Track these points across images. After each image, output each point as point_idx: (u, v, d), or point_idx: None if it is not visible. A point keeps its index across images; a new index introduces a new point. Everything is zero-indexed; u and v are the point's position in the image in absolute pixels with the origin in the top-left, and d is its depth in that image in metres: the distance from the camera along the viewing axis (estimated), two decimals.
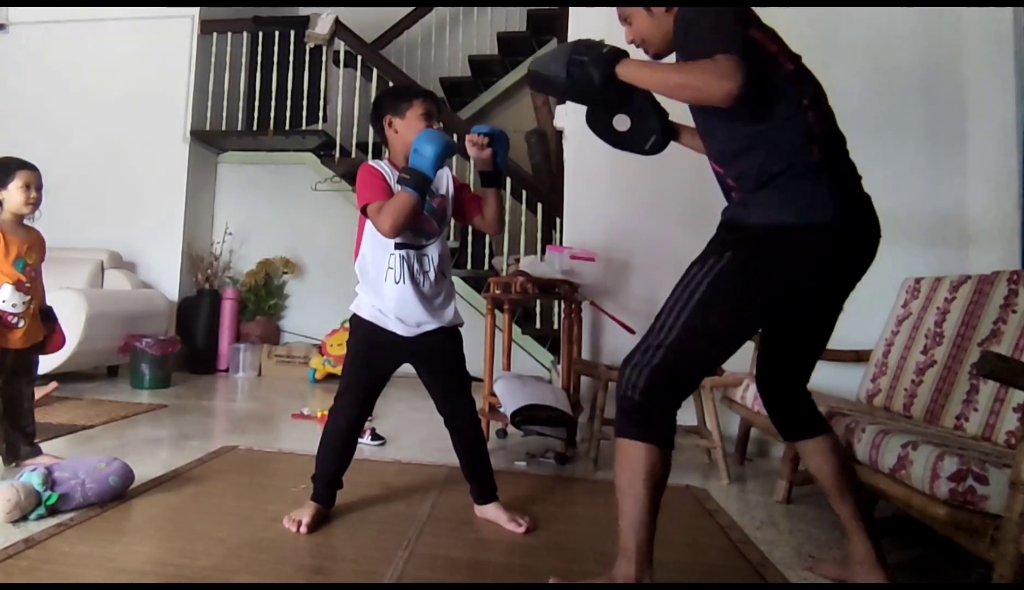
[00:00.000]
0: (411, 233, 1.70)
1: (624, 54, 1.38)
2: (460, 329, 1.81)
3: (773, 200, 1.31)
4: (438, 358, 1.78)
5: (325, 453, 1.77)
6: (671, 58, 1.45)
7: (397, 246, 1.69)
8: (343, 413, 1.76)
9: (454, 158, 4.42)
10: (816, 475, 1.52)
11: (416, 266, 1.71)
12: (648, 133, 1.60)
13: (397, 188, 1.63)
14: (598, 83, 1.37)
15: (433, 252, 1.74)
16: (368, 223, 1.69)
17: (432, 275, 1.73)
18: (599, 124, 1.64)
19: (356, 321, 1.75)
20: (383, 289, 1.70)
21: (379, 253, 1.70)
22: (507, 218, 4.42)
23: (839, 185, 1.32)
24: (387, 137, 1.76)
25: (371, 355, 1.74)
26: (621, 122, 1.62)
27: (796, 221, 1.29)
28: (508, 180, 4.29)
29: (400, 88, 1.79)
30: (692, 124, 1.52)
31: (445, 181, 1.81)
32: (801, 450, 1.54)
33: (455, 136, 3.30)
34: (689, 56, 1.31)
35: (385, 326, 1.70)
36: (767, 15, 1.42)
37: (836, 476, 1.48)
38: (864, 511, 1.49)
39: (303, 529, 1.66)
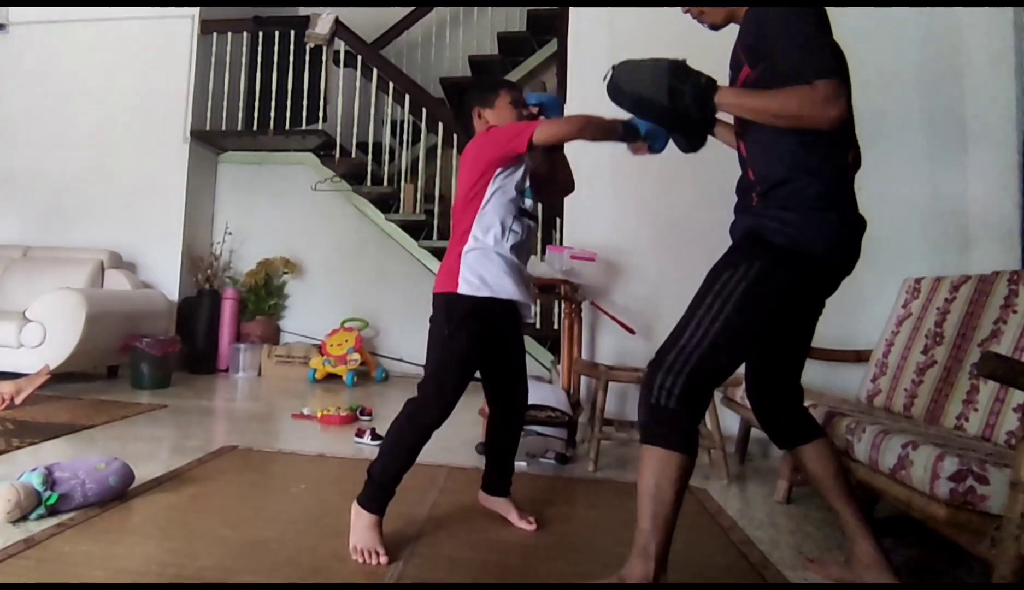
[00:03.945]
0: (524, 212, 1.65)
1: (714, 82, 1.37)
2: None
3: (800, 225, 1.34)
4: (514, 341, 1.76)
5: (397, 449, 1.58)
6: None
7: (521, 212, 1.63)
8: (438, 412, 1.57)
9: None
10: (815, 480, 1.53)
11: (527, 241, 1.66)
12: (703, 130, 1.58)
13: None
14: (696, 115, 1.37)
15: (533, 235, 1.71)
16: (495, 180, 1.60)
17: (530, 252, 1.71)
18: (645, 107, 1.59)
19: (465, 302, 1.57)
20: (501, 249, 1.59)
21: (506, 213, 1.61)
22: None
23: (856, 230, 1.40)
24: (475, 130, 1.73)
25: (485, 343, 1.61)
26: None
27: (816, 253, 1.34)
28: None
29: (483, 80, 1.71)
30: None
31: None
32: (798, 456, 1.56)
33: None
34: (779, 75, 1.30)
35: (499, 295, 1.57)
36: None
37: (835, 479, 1.49)
38: (866, 512, 1.50)
39: (383, 560, 1.49)
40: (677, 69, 1.36)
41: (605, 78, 1.42)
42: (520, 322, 1.76)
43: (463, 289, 1.57)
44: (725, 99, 1.35)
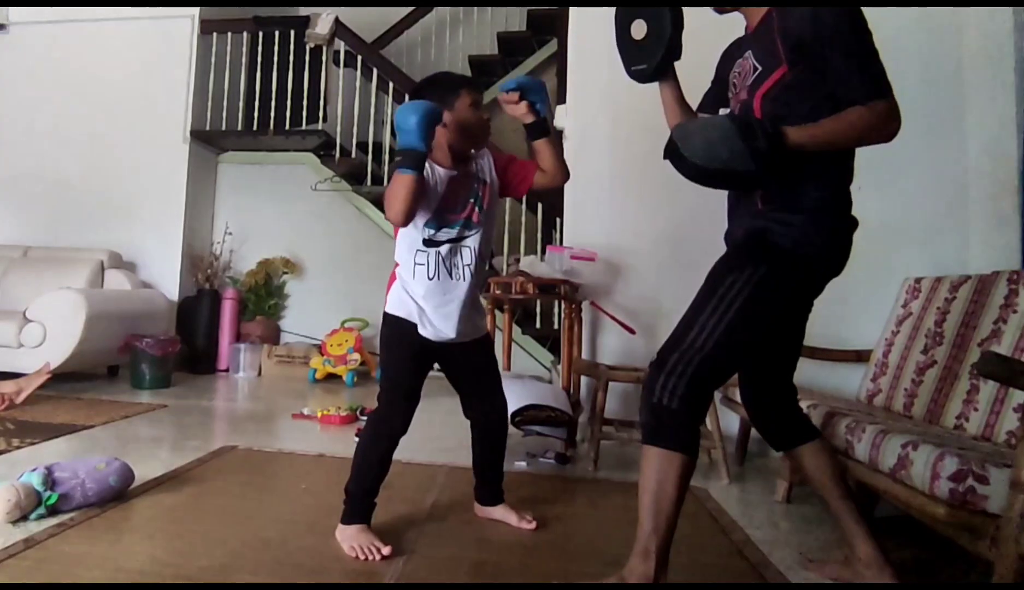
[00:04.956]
0: (447, 228, 1.60)
1: (778, 129, 1.29)
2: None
3: (805, 228, 1.35)
4: (470, 360, 1.74)
5: (367, 463, 1.62)
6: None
7: (427, 243, 1.59)
8: (398, 420, 1.60)
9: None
10: (813, 480, 1.53)
11: (452, 261, 1.61)
12: (659, 44, 1.50)
13: (434, 180, 1.57)
14: (774, 164, 1.28)
15: (473, 244, 1.63)
16: None
17: (469, 271, 1.62)
18: (620, 31, 1.57)
19: (387, 318, 1.65)
20: (414, 287, 1.61)
21: (407, 251, 1.62)
22: (507, 217, 4.44)
23: (852, 232, 1.41)
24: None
25: (411, 348, 1.63)
26: (638, 29, 1.53)
27: (818, 256, 1.37)
28: None
29: (442, 78, 1.63)
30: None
31: (487, 165, 1.69)
32: (796, 457, 1.56)
33: None
34: (823, 88, 1.32)
35: (412, 322, 1.61)
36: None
37: (833, 479, 1.50)
38: (864, 512, 1.50)
39: (386, 551, 1.52)
40: (744, 130, 1.26)
41: (667, 154, 1.38)
42: (485, 342, 1.77)
43: (389, 307, 1.66)
44: (795, 138, 1.28)
